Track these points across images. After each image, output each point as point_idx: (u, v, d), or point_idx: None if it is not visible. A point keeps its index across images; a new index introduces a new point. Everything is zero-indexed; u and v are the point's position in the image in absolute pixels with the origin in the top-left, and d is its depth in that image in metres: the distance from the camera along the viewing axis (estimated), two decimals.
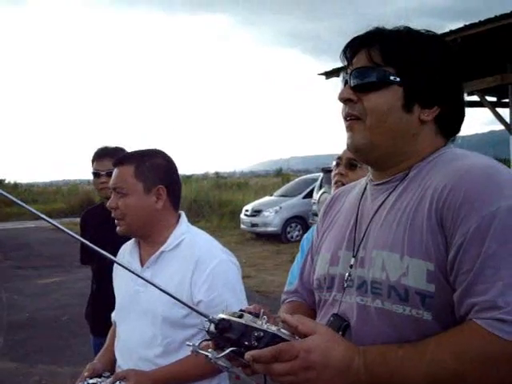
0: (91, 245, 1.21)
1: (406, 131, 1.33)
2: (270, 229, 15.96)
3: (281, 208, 16.10)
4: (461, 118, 1.40)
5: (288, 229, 15.96)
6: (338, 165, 2.42)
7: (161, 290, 1.22)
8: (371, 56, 1.33)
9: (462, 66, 1.38)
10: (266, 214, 16.12)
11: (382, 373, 1.13)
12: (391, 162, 1.37)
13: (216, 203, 20.88)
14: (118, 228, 2.23)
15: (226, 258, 2.18)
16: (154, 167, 2.20)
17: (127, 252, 2.35)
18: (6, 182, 36.22)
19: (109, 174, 3.38)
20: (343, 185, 2.30)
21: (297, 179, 20.01)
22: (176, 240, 2.19)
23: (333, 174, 2.45)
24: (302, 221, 15.85)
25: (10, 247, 16.05)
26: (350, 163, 2.35)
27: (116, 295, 2.38)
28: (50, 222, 1.23)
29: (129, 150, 3.59)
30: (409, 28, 1.37)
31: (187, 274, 2.09)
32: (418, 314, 1.19)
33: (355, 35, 1.38)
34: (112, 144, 3.57)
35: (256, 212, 16.42)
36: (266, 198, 17.98)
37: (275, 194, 18.23)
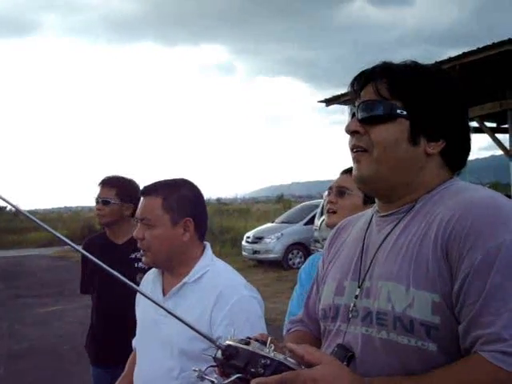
0: (116, 273, 1.20)
1: (412, 164, 1.35)
2: (271, 255, 15.89)
3: (282, 235, 16.06)
4: (466, 151, 1.42)
5: (290, 255, 15.89)
6: (329, 194, 2.50)
7: (179, 319, 1.21)
8: (378, 89, 1.35)
9: (467, 101, 1.41)
10: (267, 240, 16.07)
11: None
12: (397, 194, 1.38)
13: (218, 230, 20.86)
14: (143, 258, 2.22)
15: (249, 293, 2.14)
16: (182, 199, 2.18)
17: (150, 281, 2.33)
18: (8, 209, 36.11)
19: (104, 202, 3.42)
20: (334, 212, 2.42)
21: (298, 206, 20.00)
22: (199, 272, 2.17)
23: (325, 202, 2.54)
24: (303, 247, 15.79)
25: (11, 275, 15.99)
26: (339, 191, 2.44)
27: (138, 323, 2.35)
28: (78, 251, 1.23)
29: (136, 179, 3.62)
30: (415, 62, 1.40)
31: (208, 307, 2.07)
32: (423, 345, 1.19)
33: (362, 69, 1.41)
34: (119, 173, 3.61)
35: (257, 239, 16.38)
36: (268, 225, 17.95)
37: (277, 220, 18.19)
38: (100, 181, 3.53)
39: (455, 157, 1.40)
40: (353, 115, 1.40)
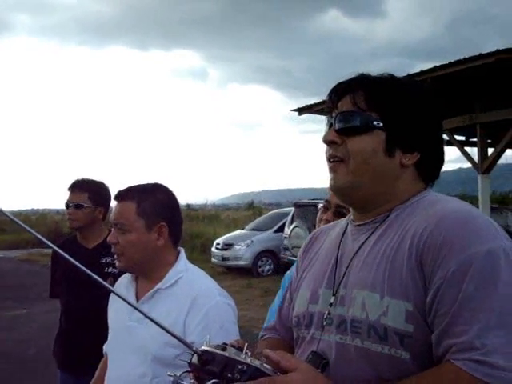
0: (93, 274, 1.19)
1: (388, 174, 1.37)
2: (241, 263, 15.89)
3: (252, 242, 16.06)
4: (440, 163, 1.45)
5: (259, 263, 15.90)
6: (325, 208, 2.35)
7: (155, 322, 1.21)
8: (356, 101, 1.38)
9: (441, 114, 1.44)
10: (237, 247, 16.07)
11: None
12: (372, 204, 1.40)
13: (187, 236, 20.76)
14: (117, 263, 2.20)
15: (223, 300, 2.14)
16: (156, 204, 2.17)
17: (123, 286, 2.31)
18: None
19: (77, 207, 3.37)
20: None
21: (268, 213, 20.04)
22: (173, 278, 2.16)
23: (319, 216, 2.37)
24: (273, 255, 15.84)
25: None
26: (339, 211, 2.24)
27: (109, 327, 2.33)
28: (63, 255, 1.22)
29: (106, 181, 3.57)
30: (392, 75, 1.43)
31: (182, 313, 2.06)
32: (396, 353, 1.21)
33: (338, 80, 1.43)
34: (88, 176, 3.56)
35: (227, 246, 16.36)
36: (238, 232, 17.95)
37: (247, 227, 18.20)
38: (70, 185, 3.47)
39: (429, 168, 1.42)
40: (330, 126, 1.42)
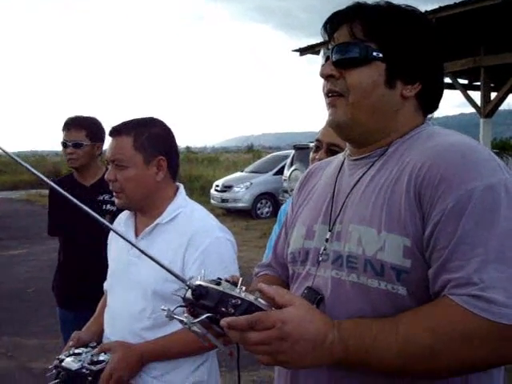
0: (91, 212, 1.16)
1: (389, 107, 1.33)
2: (240, 204, 15.97)
3: (251, 184, 16.10)
4: (441, 93, 1.40)
5: (258, 205, 15.98)
6: (317, 148, 2.29)
7: (150, 258, 1.19)
8: (353, 31, 1.31)
9: (442, 42, 1.38)
10: (236, 189, 16.12)
11: (356, 347, 1.12)
12: (372, 139, 1.36)
13: (186, 178, 20.79)
14: (116, 200, 2.18)
15: (222, 235, 2.13)
16: (153, 137, 2.13)
17: (122, 222, 2.30)
18: None
19: (75, 145, 3.32)
20: None
21: (268, 156, 20.00)
22: (172, 213, 2.14)
23: (311, 156, 2.32)
24: (272, 197, 15.89)
25: None
26: (331, 150, 2.19)
27: (109, 264, 2.33)
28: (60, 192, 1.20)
29: (101, 120, 3.51)
30: (389, 2, 1.36)
31: (180, 249, 2.05)
32: (393, 288, 1.19)
33: (335, 10, 1.36)
34: (83, 113, 3.49)
35: (226, 187, 16.41)
36: (237, 174, 17.98)
37: (246, 170, 18.21)
38: (64, 124, 3.39)
39: (430, 99, 1.38)
40: (327, 58, 1.36)
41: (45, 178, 1.21)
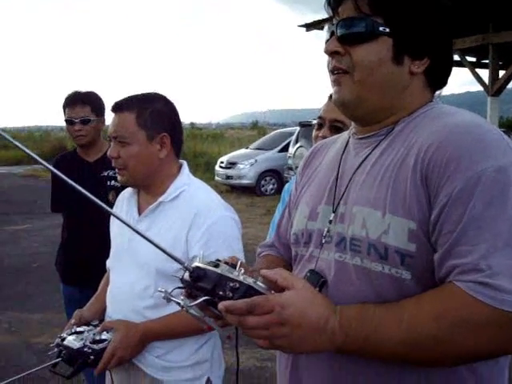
0: (91, 196, 1.13)
1: (396, 84, 1.28)
2: (244, 181, 15.95)
3: (256, 161, 16.06)
4: (449, 69, 1.35)
5: (262, 182, 15.95)
6: (320, 125, 2.24)
7: (146, 239, 1.17)
8: (358, 5, 1.25)
9: (451, 15, 1.32)
10: (240, 166, 16.09)
11: (358, 334, 1.10)
12: (378, 117, 1.31)
13: (191, 154, 20.76)
14: (119, 177, 2.15)
15: (227, 214, 2.10)
16: (157, 113, 2.09)
17: (125, 199, 2.27)
18: None
19: (83, 122, 3.27)
20: None
21: (273, 132, 19.90)
22: (176, 191, 2.11)
23: (314, 134, 2.26)
24: (276, 174, 15.84)
25: None
26: (334, 126, 2.14)
27: (112, 242, 2.31)
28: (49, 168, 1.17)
29: (102, 94, 3.46)
30: None
31: (184, 227, 2.02)
32: (397, 273, 1.16)
33: None
34: (83, 89, 3.45)
35: (231, 164, 16.38)
36: (242, 151, 17.92)
37: (251, 146, 18.15)
38: (67, 100, 3.34)
39: (439, 75, 1.33)
40: (331, 34, 1.31)
41: (41, 161, 1.16)
